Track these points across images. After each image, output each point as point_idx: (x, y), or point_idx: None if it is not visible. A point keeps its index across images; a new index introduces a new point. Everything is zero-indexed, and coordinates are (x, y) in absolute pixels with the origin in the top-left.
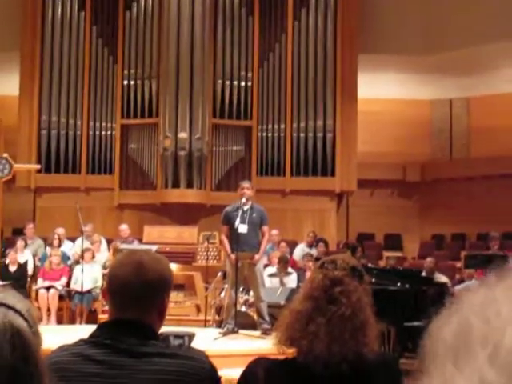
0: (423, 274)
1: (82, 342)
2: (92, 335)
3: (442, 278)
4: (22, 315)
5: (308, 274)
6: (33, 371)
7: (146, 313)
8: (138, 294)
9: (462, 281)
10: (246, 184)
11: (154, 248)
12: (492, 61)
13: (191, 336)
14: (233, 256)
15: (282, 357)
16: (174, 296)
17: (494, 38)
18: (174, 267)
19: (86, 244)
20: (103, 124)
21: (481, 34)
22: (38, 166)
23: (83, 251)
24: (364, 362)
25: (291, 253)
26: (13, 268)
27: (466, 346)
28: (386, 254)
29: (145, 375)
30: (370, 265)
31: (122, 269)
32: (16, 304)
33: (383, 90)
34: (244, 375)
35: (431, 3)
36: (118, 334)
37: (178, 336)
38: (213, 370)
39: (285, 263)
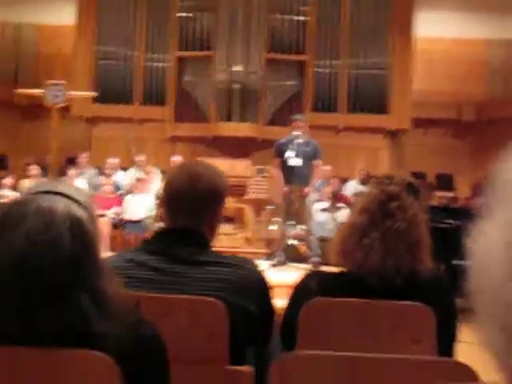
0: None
1: (136, 248)
2: (147, 242)
3: None
4: (81, 205)
5: None
6: (91, 258)
7: (198, 222)
8: (190, 203)
9: None
10: (299, 117)
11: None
12: None
13: None
14: (284, 189)
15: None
16: (225, 228)
17: None
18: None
19: (138, 174)
20: (159, 56)
21: None
22: (94, 94)
23: (136, 181)
24: (418, 278)
25: (343, 189)
26: None
27: None
28: (437, 193)
29: (198, 283)
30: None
31: (177, 179)
32: (76, 194)
33: (441, 28)
34: (297, 288)
35: None
36: (172, 242)
37: None
38: (263, 279)
39: (335, 198)
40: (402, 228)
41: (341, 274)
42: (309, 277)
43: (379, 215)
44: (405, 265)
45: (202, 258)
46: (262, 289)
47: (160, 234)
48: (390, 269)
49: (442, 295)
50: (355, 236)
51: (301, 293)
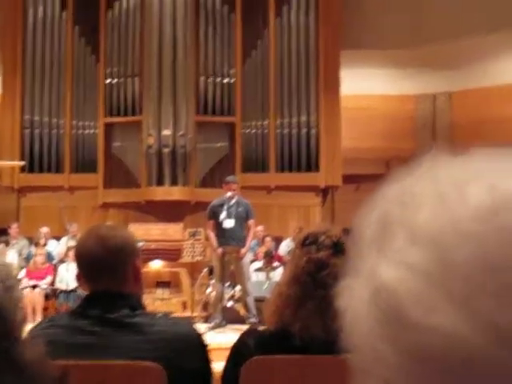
0: None
1: (66, 314)
2: (79, 307)
3: None
4: None
5: None
6: (7, 328)
7: (120, 281)
8: (105, 263)
9: None
10: (231, 179)
11: (140, 245)
12: (474, 54)
13: None
14: (219, 250)
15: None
16: (160, 293)
17: (477, 32)
18: (159, 264)
19: (71, 243)
20: (86, 123)
21: (464, 28)
22: (22, 163)
23: (68, 250)
24: None
25: (277, 248)
26: None
27: (385, 233)
28: None
29: (134, 345)
30: None
31: (86, 243)
32: None
33: (367, 85)
34: (235, 347)
35: None
36: (103, 306)
37: None
38: (201, 338)
39: (270, 258)
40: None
41: (280, 330)
42: (246, 335)
43: (311, 285)
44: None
45: (136, 319)
46: (200, 348)
47: (89, 300)
48: (332, 335)
49: None
50: (290, 307)
51: (239, 352)
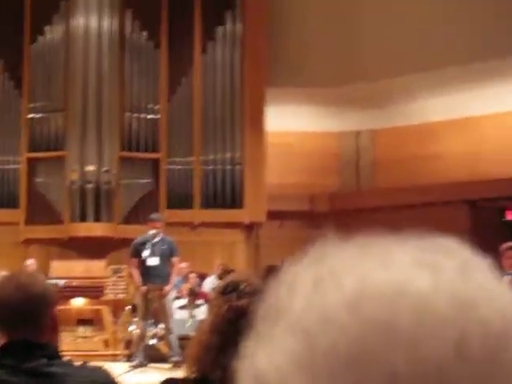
0: None
1: None
2: None
3: None
4: None
5: None
6: None
7: (39, 329)
8: (25, 311)
9: None
10: (155, 217)
11: (61, 282)
12: (396, 93)
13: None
14: (143, 288)
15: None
16: (82, 331)
17: (399, 72)
18: (81, 301)
19: None
20: (9, 158)
21: (386, 68)
22: None
23: None
24: None
25: (201, 285)
26: None
27: (271, 318)
28: None
29: None
30: None
31: (4, 291)
32: None
33: (291, 122)
34: None
35: (338, 37)
36: (20, 356)
37: None
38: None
39: (194, 295)
40: None
41: (198, 379)
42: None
43: (232, 334)
44: None
45: (53, 369)
46: None
47: (5, 349)
48: None
49: None
50: (210, 355)
51: None
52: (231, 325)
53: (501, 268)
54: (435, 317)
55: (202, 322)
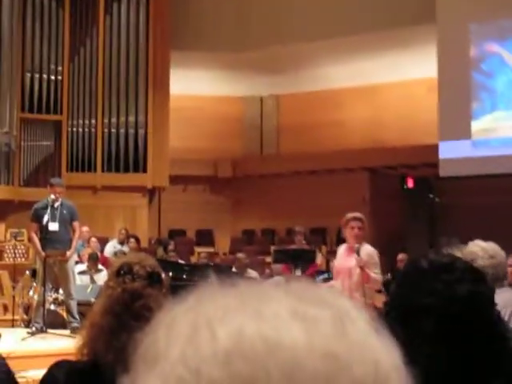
0: (234, 269)
1: None
2: None
3: (252, 274)
4: None
5: None
6: None
7: None
8: None
9: (271, 276)
10: (56, 181)
11: None
12: (301, 59)
13: None
14: (43, 253)
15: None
16: None
17: (304, 38)
18: None
19: None
20: None
21: (290, 33)
22: None
23: None
24: None
25: (102, 250)
26: None
27: (147, 360)
28: (197, 249)
29: None
30: (180, 261)
31: None
32: None
33: (196, 86)
34: (44, 379)
35: (242, 1)
36: None
37: None
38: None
39: (95, 260)
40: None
41: (90, 363)
42: (56, 367)
43: (126, 317)
44: None
45: None
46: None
47: None
48: None
49: None
50: (104, 338)
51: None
52: (125, 307)
53: (343, 239)
54: (307, 375)
55: (94, 303)
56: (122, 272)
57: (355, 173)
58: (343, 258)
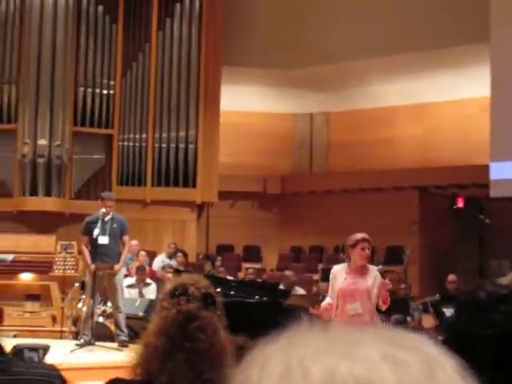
0: (281, 286)
1: None
2: None
3: (300, 292)
4: None
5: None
6: None
7: None
8: None
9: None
10: (107, 195)
11: (10, 257)
12: (351, 77)
13: (46, 349)
14: (92, 266)
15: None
16: (30, 306)
17: (355, 56)
18: (29, 277)
19: None
20: None
21: (343, 52)
22: None
23: None
24: None
25: (150, 263)
26: None
27: None
28: (245, 265)
29: None
30: (228, 277)
31: None
32: None
33: (246, 102)
34: None
35: (295, 19)
36: None
37: (32, 349)
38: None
39: (142, 272)
40: (205, 348)
41: (145, 381)
42: None
43: (180, 338)
44: (212, 380)
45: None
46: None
47: None
48: None
49: None
50: (158, 359)
51: None
52: (179, 328)
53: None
54: None
55: (154, 304)
56: (176, 293)
57: (404, 192)
58: (351, 280)
